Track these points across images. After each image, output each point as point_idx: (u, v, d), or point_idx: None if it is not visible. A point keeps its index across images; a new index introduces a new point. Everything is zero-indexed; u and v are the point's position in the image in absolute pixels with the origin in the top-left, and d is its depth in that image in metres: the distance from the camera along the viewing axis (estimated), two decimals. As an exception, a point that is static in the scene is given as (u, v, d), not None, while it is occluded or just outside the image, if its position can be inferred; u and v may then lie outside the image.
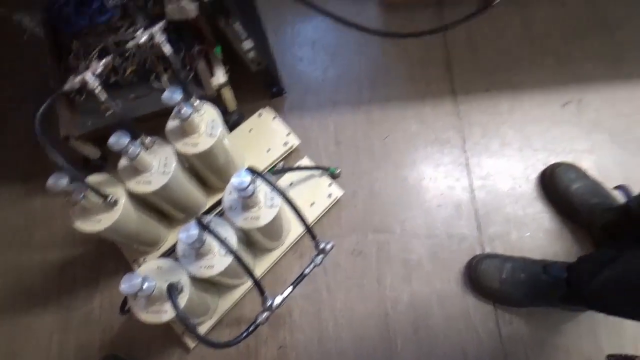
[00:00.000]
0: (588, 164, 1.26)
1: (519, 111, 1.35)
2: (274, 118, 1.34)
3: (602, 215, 1.13)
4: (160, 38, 0.90)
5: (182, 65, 1.14)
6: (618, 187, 1.14)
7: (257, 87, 1.36)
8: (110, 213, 0.97)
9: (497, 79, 1.38)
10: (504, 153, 1.31)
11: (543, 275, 1.07)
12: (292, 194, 1.25)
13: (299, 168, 1.26)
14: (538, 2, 1.46)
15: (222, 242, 0.83)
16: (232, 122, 1.31)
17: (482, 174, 1.30)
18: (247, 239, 1.11)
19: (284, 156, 1.30)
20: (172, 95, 0.88)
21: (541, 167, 1.28)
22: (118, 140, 0.87)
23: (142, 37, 0.90)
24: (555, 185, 1.23)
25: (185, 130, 0.99)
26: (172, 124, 1.00)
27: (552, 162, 1.26)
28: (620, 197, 1.16)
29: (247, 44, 1.12)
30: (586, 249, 1.20)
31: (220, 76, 1.17)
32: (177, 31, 1.13)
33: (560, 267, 1.06)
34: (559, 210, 1.24)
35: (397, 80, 1.40)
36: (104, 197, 0.93)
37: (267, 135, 1.32)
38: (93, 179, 0.97)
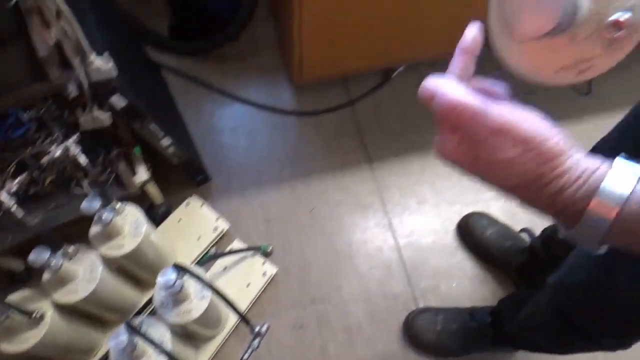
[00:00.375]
0: (496, 210, 1.38)
1: (429, 169, 1.47)
2: (202, 205, 1.37)
3: (515, 257, 1.23)
4: (75, 150, 0.93)
5: (102, 169, 1.16)
6: (523, 230, 1.25)
7: (182, 176, 1.40)
8: (37, 329, 0.94)
9: (405, 142, 1.51)
10: (422, 210, 1.41)
11: (471, 322, 1.14)
12: (227, 278, 1.28)
13: (231, 252, 1.29)
14: (430, 69, 1.62)
15: (154, 344, 0.84)
16: (159, 215, 1.33)
17: (405, 232, 1.38)
18: (185, 332, 1.11)
19: (215, 242, 1.33)
20: (90, 204, 0.91)
21: (457, 219, 1.38)
22: (38, 256, 0.87)
23: (57, 152, 0.93)
24: (471, 234, 1.33)
25: (109, 233, 1.00)
26: (94, 229, 1.02)
27: (465, 212, 1.37)
28: (527, 239, 1.27)
29: (166, 141, 1.17)
30: (508, 290, 1.29)
31: (142, 174, 1.21)
32: (94, 136, 1.16)
33: (484, 312, 1.14)
34: (479, 257, 1.33)
35: (316, 154, 1.49)
36: (29, 314, 0.92)
37: (197, 223, 1.35)
38: (15, 297, 0.95)
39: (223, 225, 1.34)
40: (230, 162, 1.48)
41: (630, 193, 0.32)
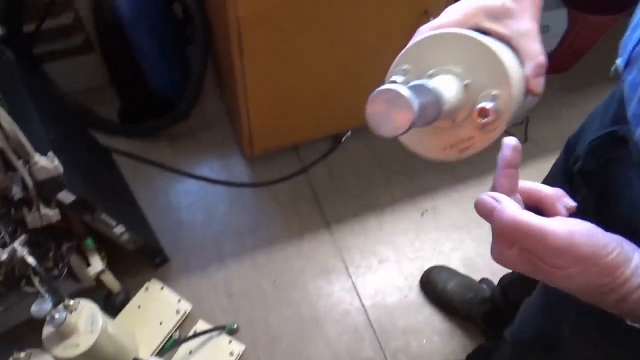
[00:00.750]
0: (455, 261, 1.41)
1: (387, 227, 1.49)
2: (162, 288, 1.34)
3: (479, 308, 1.25)
4: (22, 252, 0.91)
5: (54, 264, 1.13)
6: (482, 281, 1.28)
7: (140, 260, 1.37)
8: None
9: (361, 203, 1.54)
10: (385, 269, 1.42)
11: (443, 381, 1.13)
12: (193, 363, 1.23)
13: (195, 335, 1.25)
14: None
15: None
16: (118, 303, 1.29)
17: (370, 293, 1.38)
18: None
19: (178, 325, 1.29)
20: (41, 307, 0.88)
21: (419, 274, 1.40)
22: (-15, 370, 0.83)
23: (4, 255, 0.90)
24: (434, 289, 1.34)
25: (64, 333, 0.96)
26: (48, 330, 0.97)
27: (427, 267, 1.39)
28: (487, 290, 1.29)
29: (119, 229, 1.15)
30: (477, 342, 1.29)
31: (97, 265, 1.18)
32: (44, 231, 1.14)
33: (455, 368, 1.13)
34: (445, 311, 1.34)
35: (274, 224, 1.50)
36: None
37: (158, 307, 1.31)
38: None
39: (185, 306, 1.31)
40: (188, 239, 1.47)
41: None
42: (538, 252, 0.36)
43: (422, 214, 1.52)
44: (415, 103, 0.34)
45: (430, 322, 1.34)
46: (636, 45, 0.47)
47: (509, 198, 0.38)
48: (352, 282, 1.40)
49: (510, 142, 0.39)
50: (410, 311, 1.36)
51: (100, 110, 1.61)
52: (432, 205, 1.54)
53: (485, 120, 0.39)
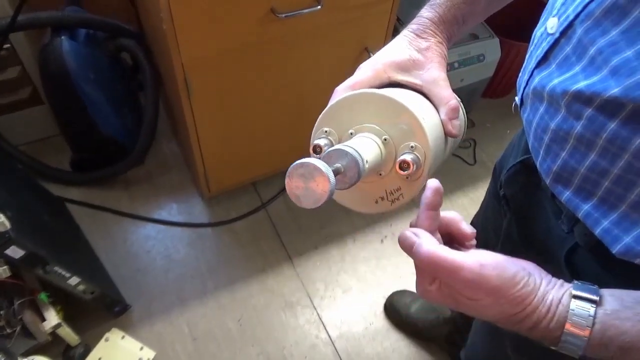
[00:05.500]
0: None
1: (348, 256, 1.51)
2: (123, 337, 1.31)
3: (441, 329, 1.27)
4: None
5: (6, 322, 1.09)
6: (442, 301, 1.30)
7: (98, 309, 1.34)
8: None
9: (322, 234, 1.56)
10: (349, 298, 1.44)
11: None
12: (158, 413, 1.20)
13: (159, 383, 1.22)
14: (335, 161, 1.72)
15: None
16: (77, 357, 1.25)
17: (336, 323, 1.39)
18: None
19: (141, 374, 1.26)
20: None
21: (383, 301, 1.42)
22: None
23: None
24: (397, 313, 1.36)
25: (17, 395, 0.93)
26: (0, 393, 0.94)
27: (389, 293, 1.41)
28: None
29: (74, 280, 1.13)
30: (444, 363, 1.31)
31: (52, 319, 1.14)
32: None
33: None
34: (410, 334, 1.36)
35: (236, 261, 1.50)
36: None
37: (119, 357, 1.27)
38: None
39: (148, 354, 1.28)
40: (149, 285, 1.44)
41: (595, 315, 0.36)
42: (453, 285, 0.38)
43: (382, 241, 1.55)
44: (330, 172, 0.36)
45: (397, 347, 1.35)
46: (525, 87, 0.51)
47: (428, 234, 0.40)
48: (317, 314, 1.40)
49: (432, 184, 0.41)
50: (377, 338, 1.37)
51: (52, 160, 1.59)
52: (390, 231, 1.57)
53: (406, 172, 0.41)
